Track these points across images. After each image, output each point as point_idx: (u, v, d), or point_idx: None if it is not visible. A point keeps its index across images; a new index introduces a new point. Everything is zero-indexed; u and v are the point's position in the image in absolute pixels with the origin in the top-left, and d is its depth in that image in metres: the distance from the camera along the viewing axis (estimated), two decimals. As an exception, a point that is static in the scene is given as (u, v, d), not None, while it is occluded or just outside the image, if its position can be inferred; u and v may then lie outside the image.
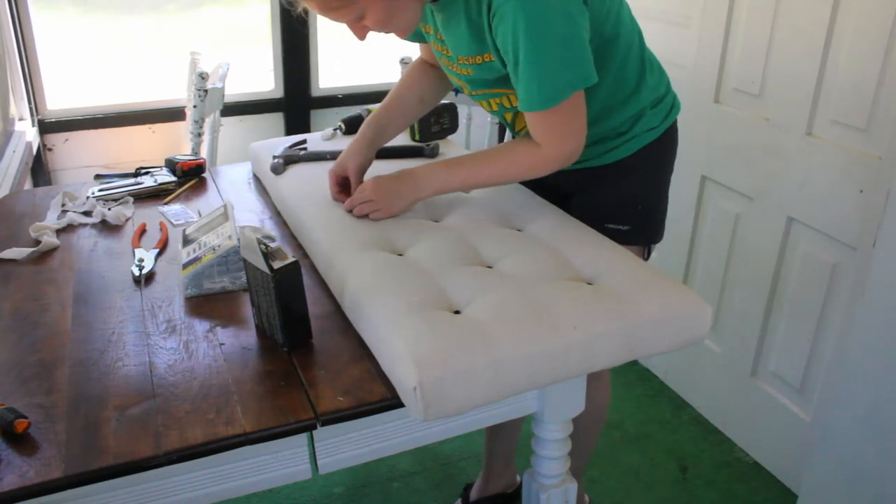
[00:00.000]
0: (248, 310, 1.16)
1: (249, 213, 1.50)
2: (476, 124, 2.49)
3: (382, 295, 1.06)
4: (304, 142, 1.66)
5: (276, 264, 1.01)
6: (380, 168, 1.48)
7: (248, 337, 1.10)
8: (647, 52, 1.36)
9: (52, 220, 1.46)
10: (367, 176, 1.37)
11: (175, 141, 2.67)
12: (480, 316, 1.02)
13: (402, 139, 1.62)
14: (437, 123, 1.66)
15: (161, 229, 1.42)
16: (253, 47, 2.77)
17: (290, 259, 1.02)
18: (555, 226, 1.29)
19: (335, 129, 1.72)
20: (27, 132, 2.30)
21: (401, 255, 1.21)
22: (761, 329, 1.93)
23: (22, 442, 0.88)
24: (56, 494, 0.84)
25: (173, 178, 1.65)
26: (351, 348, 1.06)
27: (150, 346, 1.07)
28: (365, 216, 1.30)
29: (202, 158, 1.70)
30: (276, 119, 2.83)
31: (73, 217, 1.46)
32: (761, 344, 1.95)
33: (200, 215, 1.46)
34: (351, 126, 1.70)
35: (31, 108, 2.44)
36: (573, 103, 1.17)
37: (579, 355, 1.02)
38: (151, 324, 1.12)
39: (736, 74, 1.92)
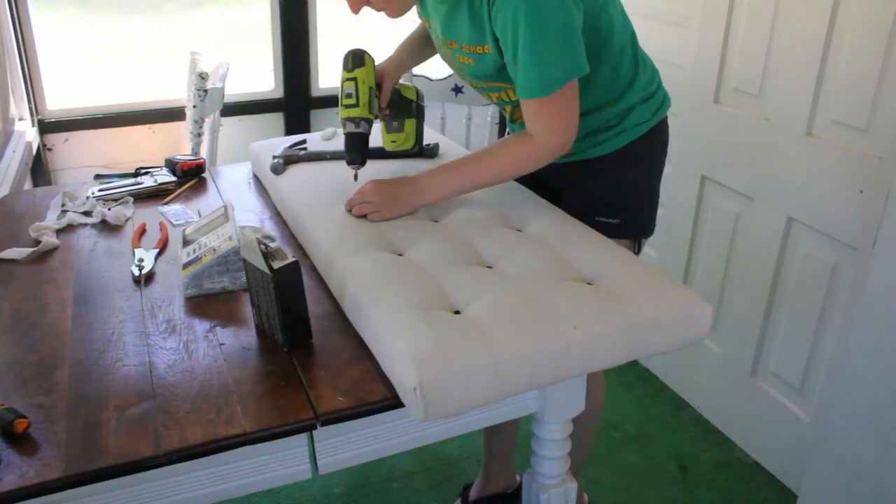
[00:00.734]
0: (248, 310, 1.16)
1: (249, 213, 1.50)
2: (476, 124, 2.49)
3: (382, 295, 1.06)
4: (304, 142, 1.66)
5: (276, 264, 1.01)
6: (380, 168, 1.49)
7: (248, 337, 1.10)
8: (640, 50, 1.39)
9: (52, 220, 1.46)
10: (370, 178, 1.37)
11: (175, 141, 2.67)
12: (480, 316, 1.02)
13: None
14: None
15: (161, 229, 1.42)
16: (253, 47, 2.77)
17: (290, 259, 1.02)
18: (555, 226, 1.29)
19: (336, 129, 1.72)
20: (27, 132, 2.30)
21: (401, 255, 1.21)
22: (761, 329, 1.93)
23: (22, 442, 0.88)
24: (56, 494, 0.84)
25: (173, 178, 1.65)
26: (351, 348, 1.06)
27: (150, 346, 1.07)
28: (364, 216, 1.31)
29: (202, 158, 1.70)
30: (276, 119, 2.83)
31: (73, 217, 1.46)
32: (761, 344, 1.95)
33: (200, 215, 1.46)
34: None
35: (30, 108, 2.44)
36: (568, 92, 1.20)
37: (579, 355, 1.02)
38: (151, 324, 1.12)
39: (736, 74, 1.92)
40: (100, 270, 1.28)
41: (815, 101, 1.70)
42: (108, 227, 1.45)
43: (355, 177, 1.38)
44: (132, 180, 1.64)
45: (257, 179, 1.68)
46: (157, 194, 1.60)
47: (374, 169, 1.45)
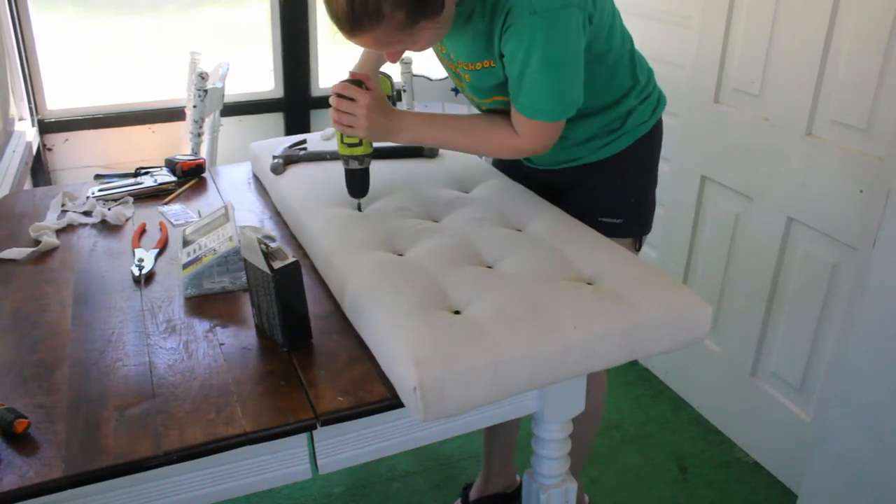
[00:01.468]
0: (248, 310, 1.16)
1: (249, 213, 1.50)
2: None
3: (382, 295, 1.06)
4: (303, 142, 1.66)
5: (276, 264, 1.01)
6: (380, 168, 1.48)
7: (248, 337, 1.10)
8: (636, 52, 1.39)
9: (52, 220, 1.46)
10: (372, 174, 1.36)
11: (175, 141, 2.67)
12: (480, 316, 1.02)
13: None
14: None
15: (161, 229, 1.42)
16: (253, 47, 2.77)
17: (290, 259, 1.02)
18: (555, 226, 1.29)
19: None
20: (27, 132, 2.30)
21: (401, 255, 1.21)
22: (761, 329, 1.93)
23: (22, 442, 0.88)
24: (56, 494, 0.84)
25: (173, 178, 1.65)
26: (351, 348, 1.06)
27: (149, 346, 1.07)
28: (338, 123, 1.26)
29: (202, 158, 1.70)
30: (276, 119, 2.83)
31: (73, 217, 1.46)
32: (761, 344, 1.95)
33: (200, 215, 1.46)
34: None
35: (30, 108, 2.44)
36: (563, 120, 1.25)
37: (579, 355, 1.02)
38: (151, 324, 1.12)
39: (736, 74, 1.92)
40: (100, 270, 1.28)
41: (814, 101, 1.70)
42: (108, 227, 1.45)
43: (359, 207, 1.36)
44: (132, 180, 1.64)
45: (257, 179, 1.68)
46: (157, 194, 1.60)
47: (375, 169, 1.45)
